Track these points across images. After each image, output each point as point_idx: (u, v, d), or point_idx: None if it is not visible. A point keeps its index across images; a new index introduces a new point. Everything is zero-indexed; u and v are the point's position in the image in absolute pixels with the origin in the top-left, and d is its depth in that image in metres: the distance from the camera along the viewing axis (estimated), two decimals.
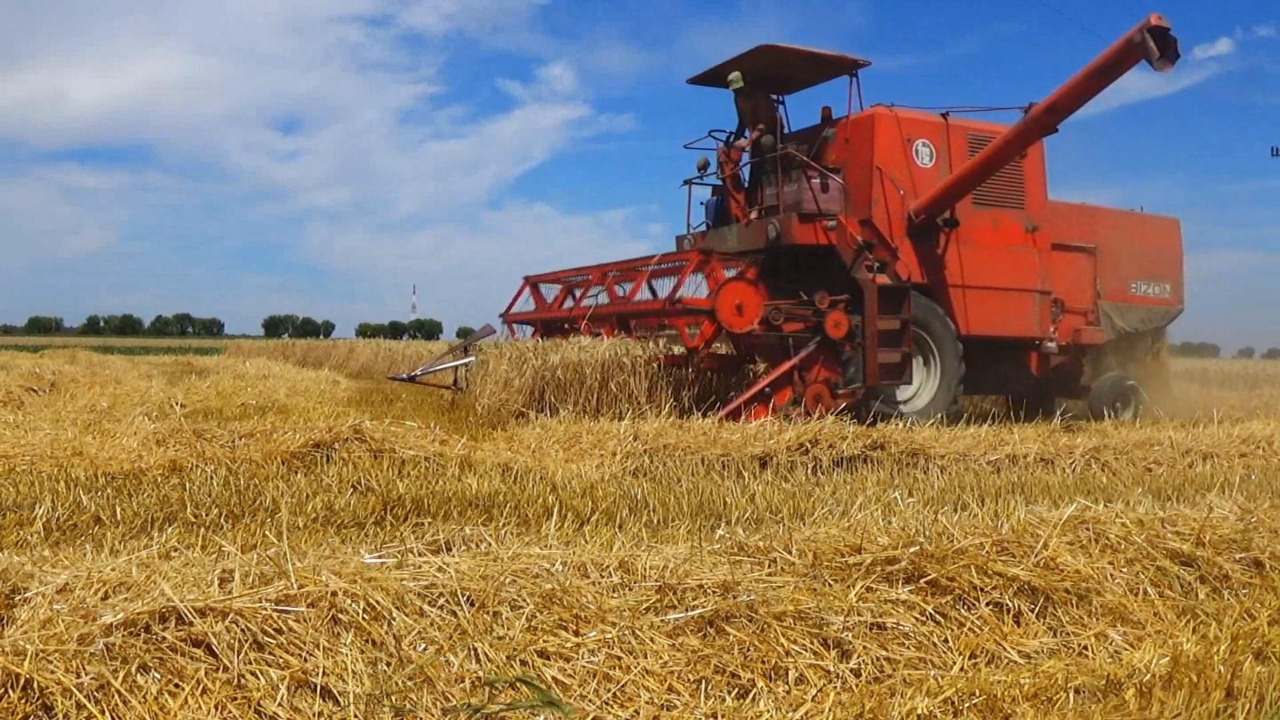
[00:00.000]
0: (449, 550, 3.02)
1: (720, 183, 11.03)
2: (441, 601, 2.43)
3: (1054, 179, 11.31)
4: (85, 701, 1.94)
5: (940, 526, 3.26)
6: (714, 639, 2.53)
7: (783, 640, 2.54)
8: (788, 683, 2.44)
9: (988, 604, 2.88)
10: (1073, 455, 7.17)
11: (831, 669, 2.51)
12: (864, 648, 2.59)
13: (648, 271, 10.53)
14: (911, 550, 2.98)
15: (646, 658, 2.41)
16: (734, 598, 2.64)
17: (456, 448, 6.19)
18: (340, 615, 2.29)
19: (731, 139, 10.97)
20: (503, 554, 2.80)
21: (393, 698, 2.12)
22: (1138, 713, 2.37)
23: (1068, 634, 2.87)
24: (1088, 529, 3.39)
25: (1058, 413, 9.44)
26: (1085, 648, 2.82)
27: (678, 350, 9.72)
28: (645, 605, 2.59)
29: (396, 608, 2.35)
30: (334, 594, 2.33)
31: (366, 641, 2.25)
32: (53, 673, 1.97)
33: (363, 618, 2.29)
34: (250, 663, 2.12)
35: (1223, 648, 2.72)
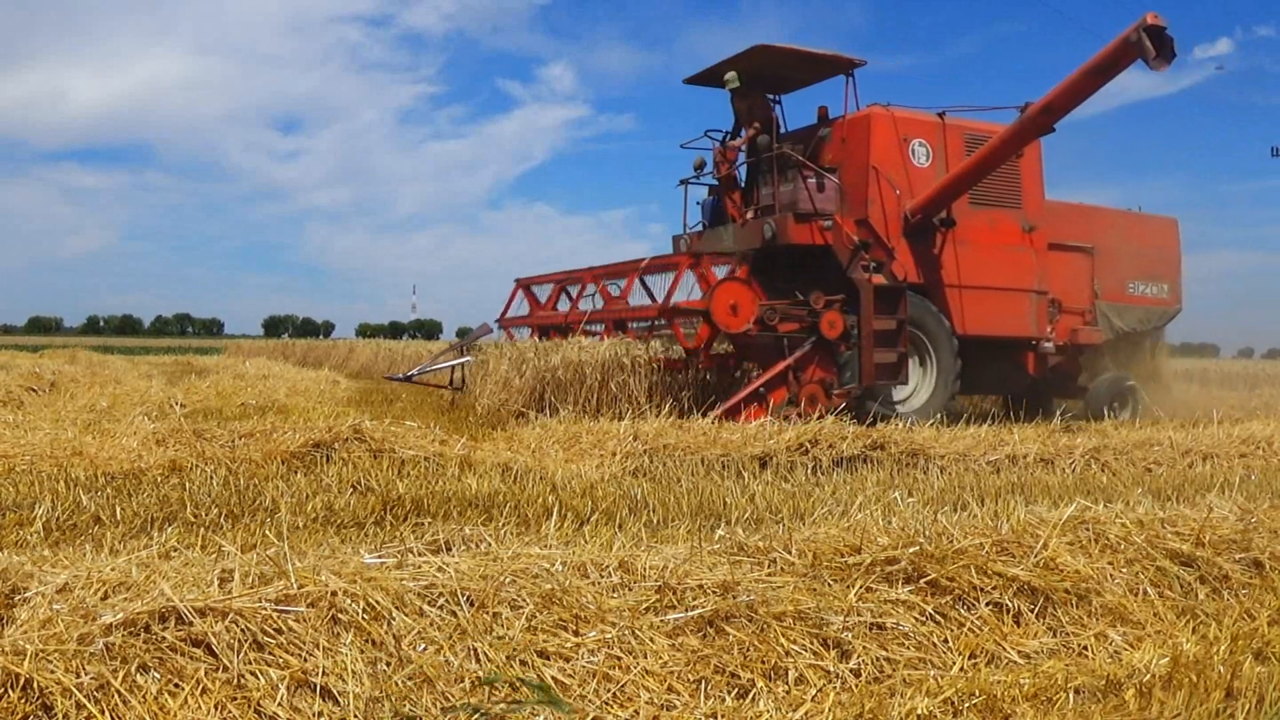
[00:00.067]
0: (449, 550, 3.02)
1: (717, 182, 11.03)
2: (441, 601, 2.43)
3: (1052, 179, 11.32)
4: (85, 701, 1.94)
5: (940, 527, 3.26)
6: (714, 639, 2.53)
7: (782, 640, 2.54)
8: (787, 683, 2.44)
9: (987, 604, 2.88)
10: (1072, 455, 7.17)
11: (831, 669, 2.51)
12: (864, 648, 2.59)
13: (638, 273, 10.53)
14: (911, 550, 2.98)
15: (646, 658, 2.41)
16: (734, 598, 2.64)
17: (456, 448, 6.19)
18: (340, 615, 2.29)
19: (728, 139, 10.96)
20: (502, 554, 2.80)
21: (392, 698, 2.12)
22: (1137, 713, 2.37)
23: (1067, 634, 2.87)
24: (1087, 529, 3.39)
25: (1058, 413, 9.43)
26: (1085, 648, 2.82)
27: (675, 353, 9.71)
28: (645, 605, 2.59)
29: (396, 608, 2.35)
30: (334, 594, 2.33)
31: (366, 641, 2.25)
32: (52, 672, 1.97)
33: (362, 618, 2.29)
34: (250, 663, 2.12)
35: (1222, 648, 2.72)
